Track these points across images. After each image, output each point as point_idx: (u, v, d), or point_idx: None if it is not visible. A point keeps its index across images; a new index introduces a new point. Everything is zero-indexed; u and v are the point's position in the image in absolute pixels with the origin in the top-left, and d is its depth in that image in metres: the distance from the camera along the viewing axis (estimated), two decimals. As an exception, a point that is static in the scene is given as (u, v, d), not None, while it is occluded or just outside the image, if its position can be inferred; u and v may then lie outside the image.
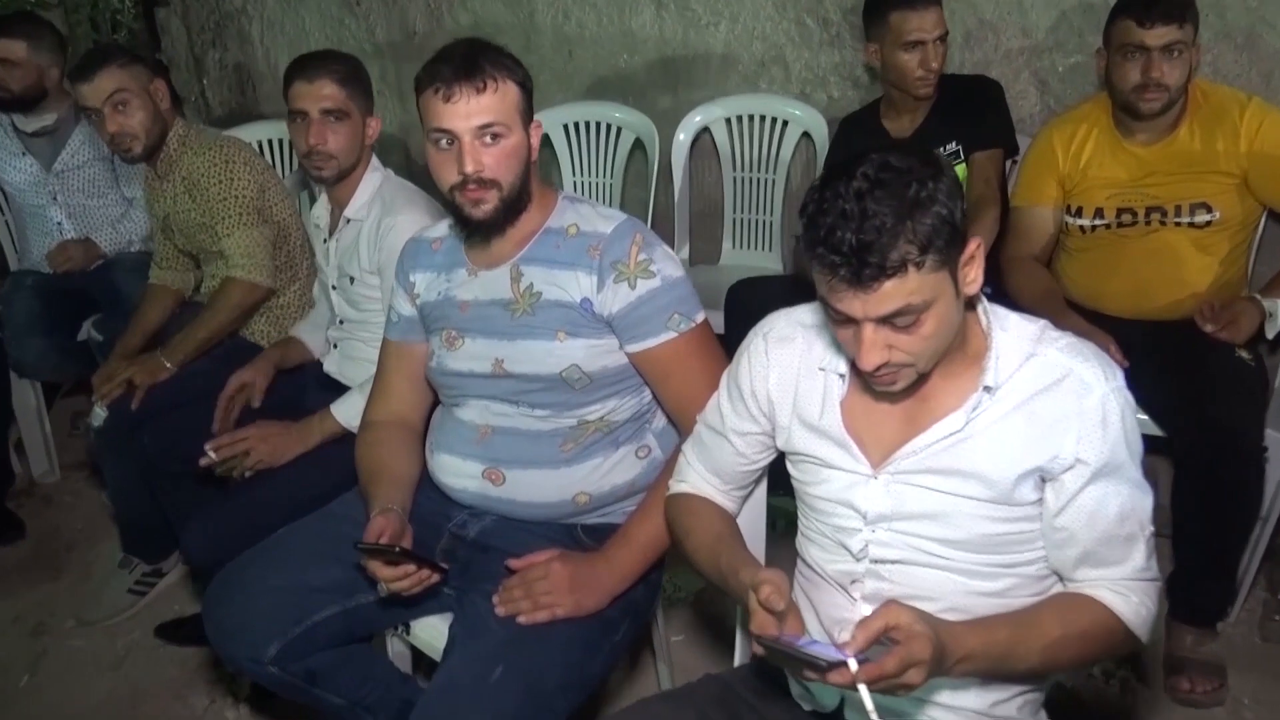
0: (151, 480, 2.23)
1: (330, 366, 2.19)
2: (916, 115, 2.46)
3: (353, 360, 2.14)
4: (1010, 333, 1.19)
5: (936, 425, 1.19)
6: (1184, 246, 2.15)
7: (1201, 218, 2.12)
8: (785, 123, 2.93)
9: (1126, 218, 2.18)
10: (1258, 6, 2.31)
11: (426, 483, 1.74)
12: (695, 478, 1.46)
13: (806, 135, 2.91)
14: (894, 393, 1.18)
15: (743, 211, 3.07)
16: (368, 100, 2.07)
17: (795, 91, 3.01)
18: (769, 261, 3.04)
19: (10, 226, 3.19)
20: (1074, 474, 1.14)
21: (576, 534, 1.63)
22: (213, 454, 1.97)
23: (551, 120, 3.19)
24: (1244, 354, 2.02)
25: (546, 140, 3.26)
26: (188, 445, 2.12)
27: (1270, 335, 2.05)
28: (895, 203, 1.04)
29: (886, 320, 1.08)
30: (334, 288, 2.13)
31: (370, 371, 2.02)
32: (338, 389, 2.15)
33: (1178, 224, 2.14)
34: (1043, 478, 1.16)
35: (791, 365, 1.31)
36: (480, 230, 1.57)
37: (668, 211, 3.19)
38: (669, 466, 1.56)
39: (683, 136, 3.03)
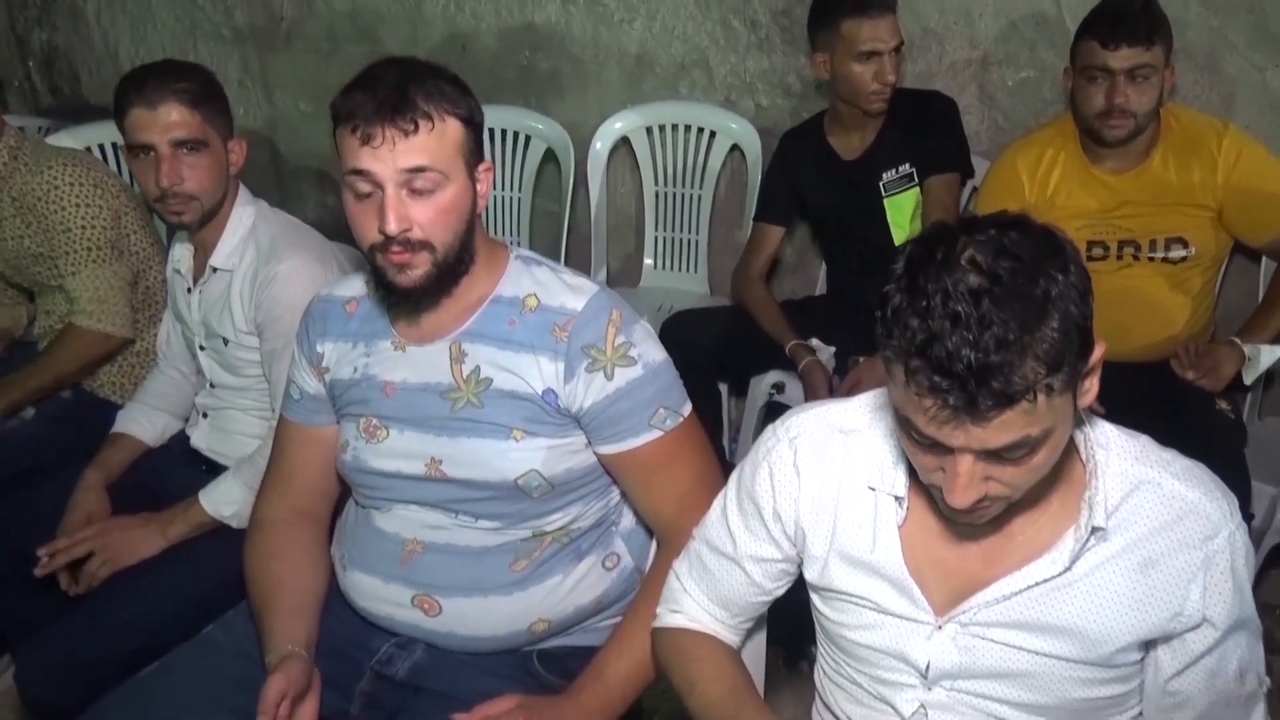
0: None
1: (198, 440, 1.80)
2: (866, 133, 2.25)
3: (227, 434, 1.77)
4: (1113, 451, 0.97)
5: (1027, 569, 0.96)
6: (1158, 283, 2.02)
7: (1177, 253, 1.98)
8: (713, 133, 2.68)
9: (1097, 251, 2.03)
10: (1219, 26, 2.18)
11: (338, 598, 1.41)
12: (694, 608, 1.19)
13: (736, 148, 2.66)
14: (975, 525, 0.95)
15: (665, 229, 2.80)
16: (226, 119, 1.69)
17: (719, 98, 2.76)
18: (694, 284, 2.79)
19: None
20: (1199, 634, 0.93)
21: (532, 666, 1.33)
22: (46, 559, 1.60)
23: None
24: (1223, 405, 1.90)
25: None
26: (19, 537, 1.73)
27: (1248, 381, 1.93)
28: (1020, 306, 0.79)
29: (993, 452, 0.84)
30: (202, 348, 1.75)
31: (249, 448, 1.68)
32: (208, 465, 1.78)
33: (1151, 259, 2.01)
34: (1158, 639, 0.95)
35: (829, 483, 1.05)
36: (408, 300, 1.25)
37: (582, 228, 2.90)
38: (650, 586, 1.28)
39: (600, 145, 2.74)
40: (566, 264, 2.81)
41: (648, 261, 2.85)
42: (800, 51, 2.62)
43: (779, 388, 2.32)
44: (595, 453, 1.29)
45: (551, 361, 1.24)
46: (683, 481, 1.28)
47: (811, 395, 2.14)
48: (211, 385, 1.76)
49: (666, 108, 2.72)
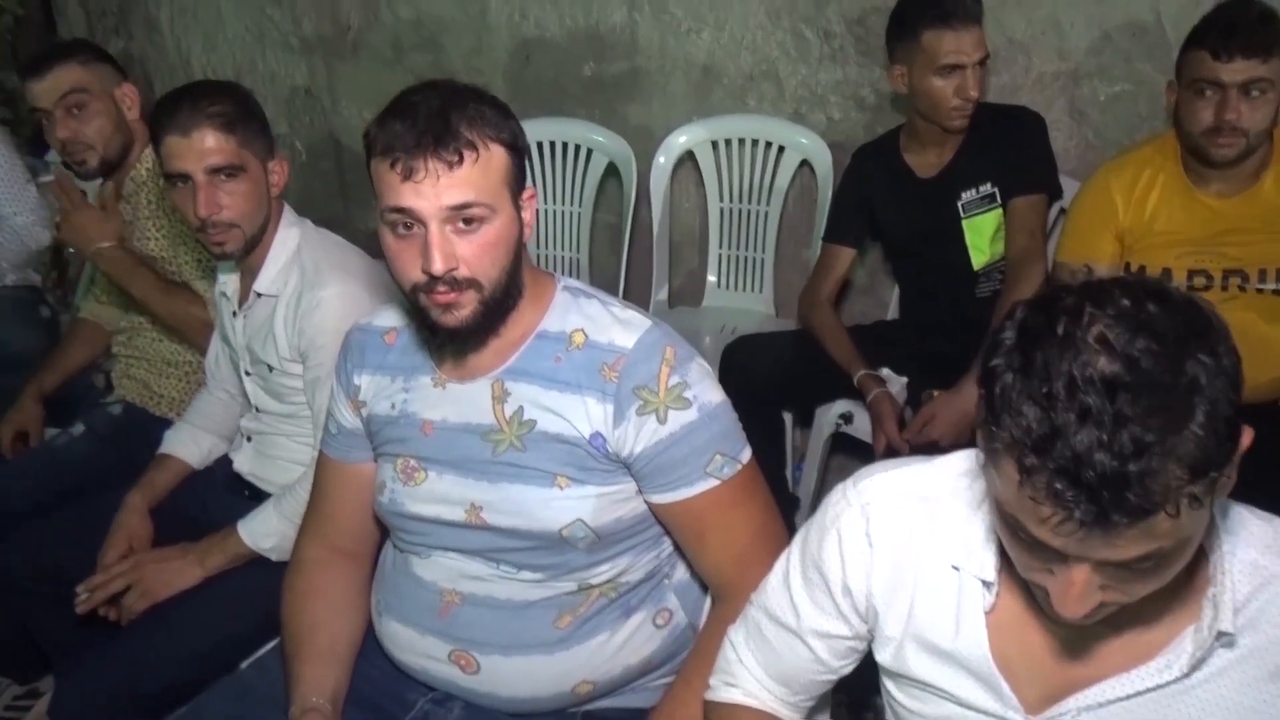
0: (16, 603, 1.78)
1: (241, 464, 1.74)
2: (945, 150, 2.11)
3: (270, 459, 1.71)
4: (1240, 537, 0.84)
5: (1138, 671, 0.83)
6: (1266, 317, 1.85)
7: (1289, 285, 1.82)
8: (781, 148, 2.56)
9: (1199, 281, 1.87)
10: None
11: (375, 644, 1.33)
12: (750, 682, 1.08)
13: (806, 163, 2.55)
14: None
15: (730, 247, 2.69)
16: (265, 140, 1.61)
17: (788, 111, 2.65)
18: (758, 304, 2.68)
19: None
20: None
21: (576, 728, 1.24)
22: (85, 595, 1.57)
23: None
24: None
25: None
26: (62, 560, 1.70)
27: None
28: (1162, 399, 0.67)
29: (1117, 563, 0.72)
30: (247, 373, 1.69)
31: (292, 474, 1.62)
32: (250, 491, 1.73)
33: (1260, 290, 1.84)
34: None
35: (906, 558, 0.94)
36: (454, 340, 1.17)
37: (643, 244, 2.81)
38: (704, 647, 1.18)
39: (664, 160, 2.65)
40: (627, 281, 2.78)
41: (711, 279, 2.74)
42: (876, 63, 2.49)
43: (847, 418, 2.20)
44: (646, 501, 1.20)
45: (600, 403, 1.15)
46: (741, 535, 1.18)
47: (879, 429, 2.01)
48: (256, 410, 1.70)
49: (734, 121, 2.61)
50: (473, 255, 1.11)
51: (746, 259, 2.68)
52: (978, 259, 2.13)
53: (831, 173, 2.46)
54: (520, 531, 1.18)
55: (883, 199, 2.20)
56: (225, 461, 1.80)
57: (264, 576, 1.57)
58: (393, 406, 1.27)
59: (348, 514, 1.36)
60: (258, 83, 3.81)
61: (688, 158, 2.71)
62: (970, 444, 1.91)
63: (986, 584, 0.89)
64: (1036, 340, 0.72)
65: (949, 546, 0.92)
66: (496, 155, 1.12)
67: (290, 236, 1.62)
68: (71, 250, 3.51)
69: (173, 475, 1.76)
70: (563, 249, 2.81)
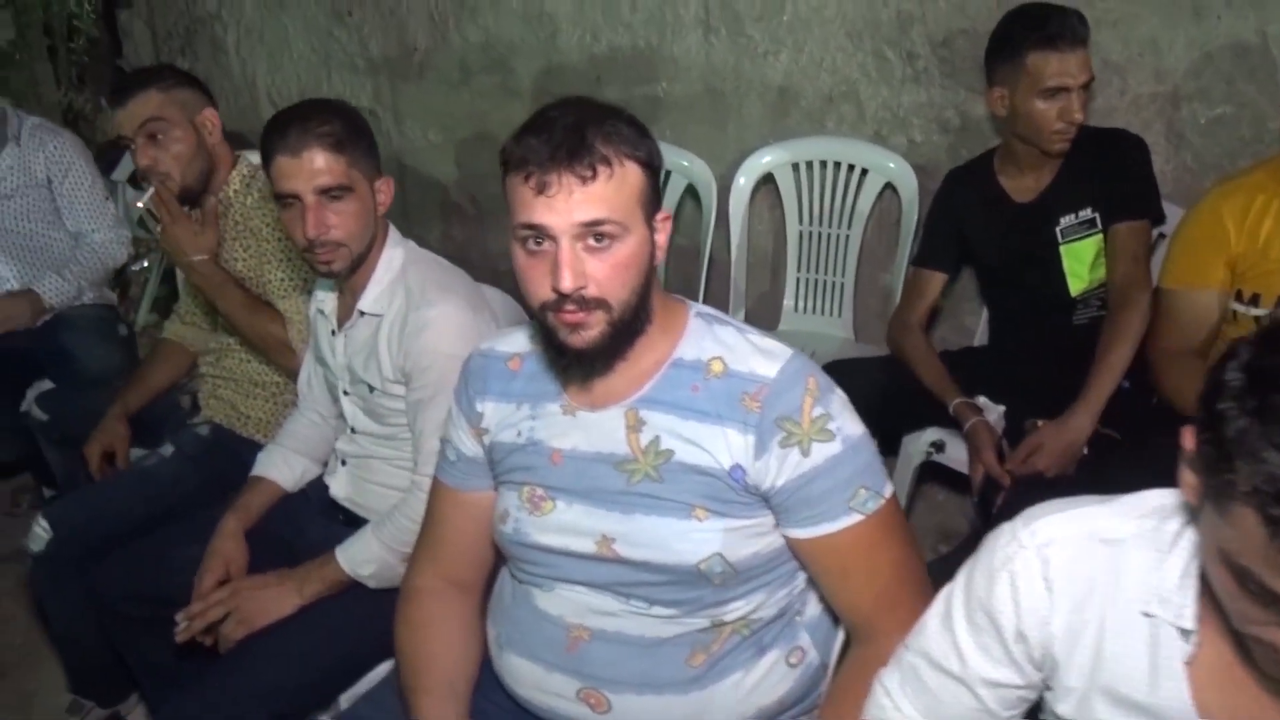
0: (109, 626, 1.76)
1: (337, 489, 1.72)
2: (1043, 174, 2.07)
3: (366, 484, 1.69)
4: None
5: None
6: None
7: None
8: (864, 171, 2.52)
9: (1315, 311, 1.80)
10: None
11: (490, 677, 1.30)
12: None
13: (889, 186, 2.51)
14: None
15: (809, 270, 2.65)
16: (373, 159, 1.60)
17: (868, 133, 2.61)
18: (837, 328, 2.64)
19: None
20: None
21: (708, 771, 1.19)
22: (184, 624, 1.55)
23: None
24: None
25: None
26: (156, 584, 1.69)
27: None
28: None
29: None
30: (345, 393, 1.67)
31: (389, 500, 1.60)
32: (345, 516, 1.71)
33: (1380, 320, 1.77)
34: None
35: (1089, 605, 0.89)
36: (581, 362, 1.14)
37: (718, 266, 2.77)
38: (845, 693, 1.14)
39: (744, 181, 2.62)
40: (705, 304, 2.74)
41: (787, 303, 2.70)
42: (961, 85, 2.46)
43: (938, 446, 2.14)
44: (784, 536, 1.16)
45: (741, 434, 1.12)
46: (884, 572, 1.14)
47: (977, 458, 1.96)
48: (353, 431, 1.68)
49: (817, 143, 2.57)
50: (603, 274, 1.09)
51: (825, 283, 2.64)
52: (1076, 285, 2.08)
53: (917, 196, 2.42)
54: (655, 565, 1.14)
55: (976, 223, 2.16)
56: (320, 485, 1.78)
57: (362, 604, 1.56)
58: (519, 434, 1.23)
59: (464, 543, 1.33)
60: (322, 103, 3.85)
61: (762, 180, 2.68)
62: (1083, 476, 1.87)
63: (1185, 632, 0.84)
64: (1271, 382, 0.67)
65: (1138, 592, 0.87)
66: (631, 173, 1.09)
67: (395, 256, 1.60)
68: (134, 269, 3.54)
69: (266, 498, 1.74)
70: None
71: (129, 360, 2.52)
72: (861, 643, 1.17)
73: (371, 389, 1.59)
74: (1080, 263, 2.06)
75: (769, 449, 1.11)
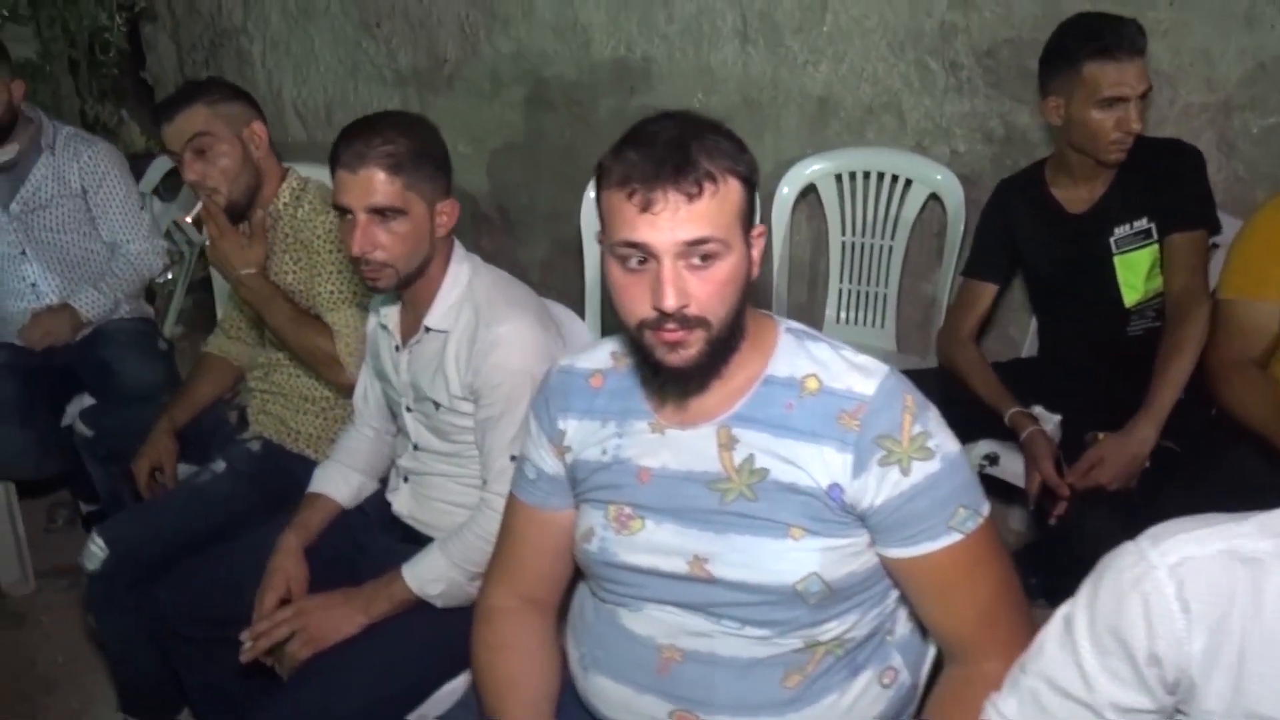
0: (166, 645, 1.75)
1: (400, 506, 1.70)
2: (1096, 184, 2.05)
3: (429, 500, 1.67)
4: None
5: None
6: None
7: None
8: (908, 181, 2.51)
9: (1379, 320, 1.79)
10: None
11: (571, 700, 1.28)
12: None
13: (934, 197, 2.49)
14: None
15: (850, 281, 2.64)
16: (437, 181, 1.56)
17: (910, 143, 2.60)
18: (880, 339, 2.62)
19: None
20: None
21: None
22: (249, 644, 1.54)
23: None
24: None
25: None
26: (214, 603, 1.67)
27: None
28: None
29: None
30: (408, 409, 1.66)
31: (452, 517, 1.58)
32: (405, 533, 1.69)
33: None
34: None
35: (1229, 626, 0.86)
36: (677, 380, 1.12)
37: (761, 279, 2.75)
38: (945, 711, 1.12)
39: (787, 191, 2.60)
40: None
41: (829, 314, 2.69)
42: (1006, 95, 2.45)
43: (992, 459, 2.12)
44: (880, 555, 1.14)
45: (838, 453, 1.10)
46: (983, 592, 1.12)
47: (1035, 469, 1.94)
48: (415, 448, 1.66)
49: (862, 153, 2.56)
50: (704, 293, 1.07)
51: (867, 293, 2.63)
52: (1130, 296, 2.06)
53: (963, 207, 2.40)
54: (750, 585, 1.12)
55: (1027, 234, 2.14)
56: (379, 501, 1.76)
57: (428, 622, 1.54)
58: (603, 452, 1.22)
59: (542, 562, 1.32)
60: (350, 114, 3.82)
61: (800, 191, 2.67)
62: (1143, 490, 1.85)
63: None
64: None
65: None
66: (733, 189, 1.08)
67: (461, 271, 1.59)
68: (158, 281, 3.52)
69: (324, 515, 1.73)
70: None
71: (169, 375, 2.50)
72: (959, 663, 1.15)
73: (437, 406, 1.57)
74: (1135, 274, 2.05)
75: (868, 468, 1.09)
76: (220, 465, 1.93)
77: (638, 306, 1.09)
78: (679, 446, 1.17)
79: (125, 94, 4.50)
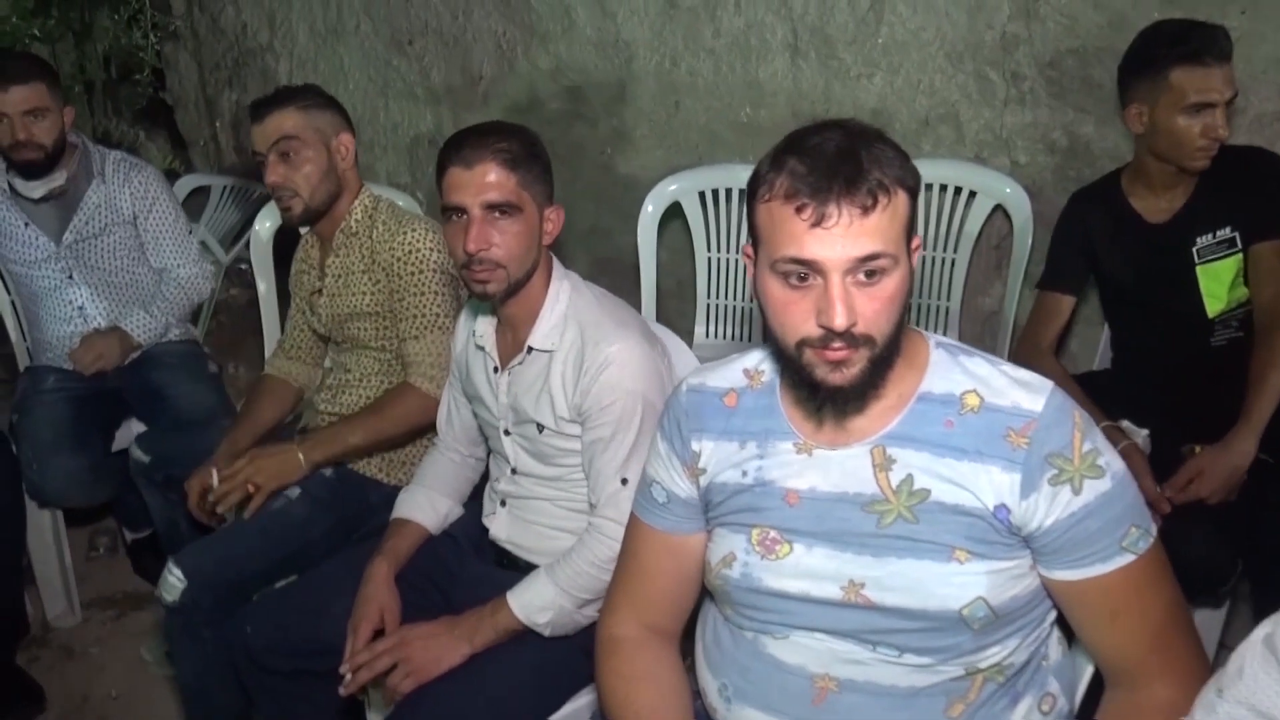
0: (248, 679, 1.69)
1: (498, 531, 1.66)
2: (1176, 194, 2.02)
3: (531, 526, 1.62)
4: None
5: None
6: None
7: None
8: (972, 194, 2.48)
9: None
10: None
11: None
12: None
13: (998, 209, 2.46)
14: None
15: (914, 295, 2.59)
16: (546, 186, 1.55)
17: (968, 155, 2.57)
18: (941, 353, 2.57)
19: (20, 314, 2.60)
20: None
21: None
22: (349, 677, 1.48)
23: (687, 186, 2.72)
24: None
25: (677, 211, 2.77)
26: (300, 634, 1.62)
27: None
28: None
29: None
30: (507, 433, 1.61)
31: (553, 542, 1.53)
32: (500, 556, 1.64)
33: None
34: None
35: None
36: (836, 400, 1.08)
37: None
38: None
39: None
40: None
41: (889, 329, 2.64)
42: (1069, 106, 2.42)
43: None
44: (1045, 578, 1.10)
45: (1005, 472, 1.06)
46: (1155, 615, 1.08)
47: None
48: (514, 472, 1.61)
49: (926, 165, 2.50)
50: (871, 310, 1.04)
51: (930, 307, 2.59)
52: (1213, 306, 2.03)
53: (1030, 219, 2.37)
54: (912, 611, 1.08)
55: (1106, 244, 2.11)
56: (468, 526, 1.71)
57: (532, 650, 1.49)
58: (744, 474, 1.17)
59: (672, 589, 1.27)
60: (379, 132, 3.80)
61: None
62: (1241, 502, 1.81)
63: None
64: None
65: None
66: (901, 201, 1.04)
67: (563, 289, 1.55)
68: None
69: (413, 541, 1.68)
70: (729, 298, 2.73)
71: (220, 398, 2.45)
72: (1127, 688, 1.11)
73: (541, 429, 1.53)
74: (1219, 283, 2.02)
75: (1037, 487, 1.05)
76: (294, 491, 1.87)
77: (800, 324, 1.04)
78: (829, 467, 1.13)
79: (142, 114, 4.46)
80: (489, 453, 1.75)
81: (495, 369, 1.60)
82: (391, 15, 3.66)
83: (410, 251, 1.84)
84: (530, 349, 1.53)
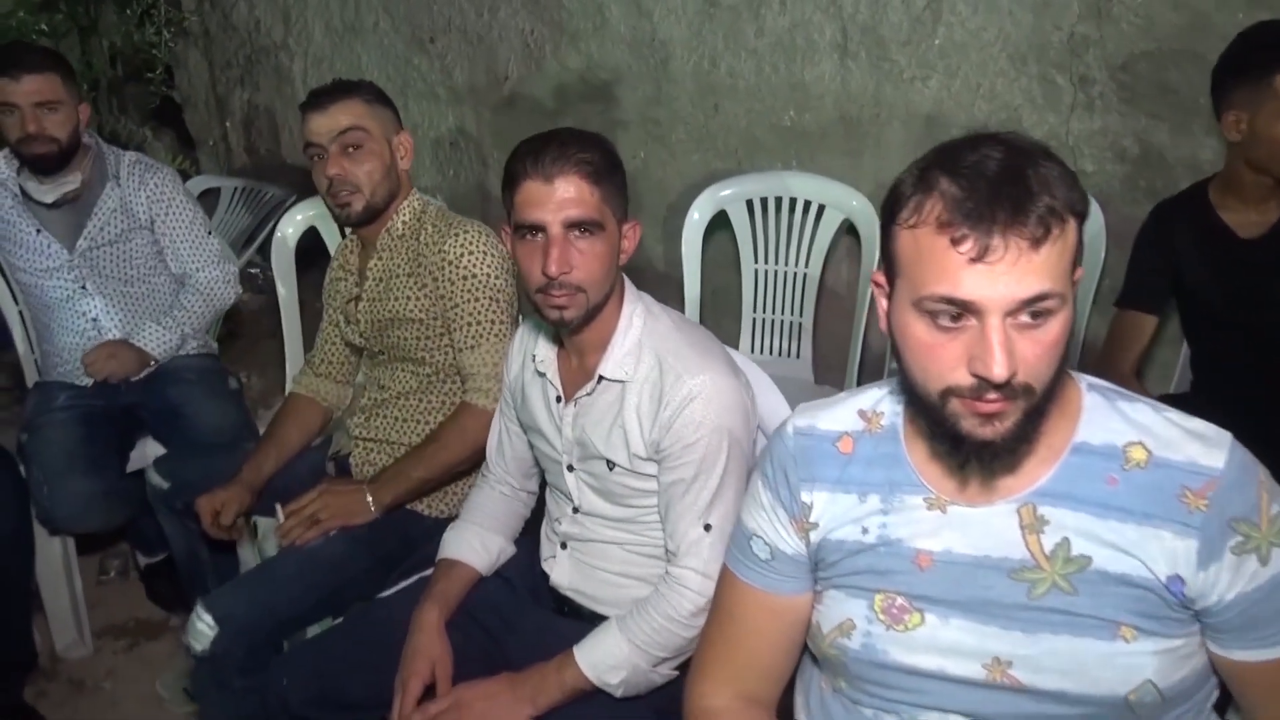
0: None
1: (559, 576, 1.51)
2: (1271, 207, 1.89)
3: (596, 572, 1.48)
4: None
5: None
6: None
7: None
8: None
9: None
10: None
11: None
12: None
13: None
14: None
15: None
16: (624, 199, 1.41)
17: (1029, 163, 2.43)
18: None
19: (28, 327, 2.46)
20: None
21: None
22: None
23: (735, 194, 2.58)
24: None
25: (724, 220, 2.63)
26: (342, 687, 1.48)
27: None
28: None
29: None
30: (570, 468, 1.47)
31: (620, 591, 1.40)
32: (559, 603, 1.50)
33: None
34: None
35: None
36: (984, 456, 0.94)
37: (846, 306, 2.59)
38: None
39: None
40: (862, 356, 2.54)
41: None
42: (1142, 112, 2.29)
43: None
44: (1219, 656, 0.96)
45: (1179, 537, 0.92)
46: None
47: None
48: (576, 510, 1.47)
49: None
50: (1033, 355, 0.90)
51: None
52: (1308, 327, 1.90)
53: (1104, 231, 2.24)
54: (1071, 696, 0.94)
55: (1192, 261, 1.98)
56: (524, 568, 1.57)
57: (603, 713, 1.35)
58: (864, 531, 1.04)
59: (771, 656, 1.13)
60: (398, 135, 3.67)
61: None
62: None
63: None
64: None
65: None
66: (1071, 230, 0.90)
67: (637, 313, 1.41)
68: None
69: (463, 585, 1.53)
70: (775, 312, 2.59)
71: (242, 417, 2.31)
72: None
73: (612, 466, 1.39)
74: (1315, 303, 1.89)
75: (1219, 556, 0.92)
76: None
77: (948, 372, 0.91)
78: (968, 527, 0.99)
79: (150, 112, 4.31)
80: (543, 485, 1.61)
81: (558, 399, 1.46)
82: (412, 12, 3.53)
83: (463, 254, 1.71)
84: (601, 378, 1.39)
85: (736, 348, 2.64)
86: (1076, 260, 0.94)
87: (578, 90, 3.19)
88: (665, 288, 2.79)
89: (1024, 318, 0.89)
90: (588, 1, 3.04)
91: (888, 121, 2.62)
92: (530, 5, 3.18)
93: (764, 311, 2.59)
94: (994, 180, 0.87)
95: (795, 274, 2.54)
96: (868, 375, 2.55)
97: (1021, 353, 0.89)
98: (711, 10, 2.81)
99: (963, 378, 0.90)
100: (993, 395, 0.89)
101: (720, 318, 2.83)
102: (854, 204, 2.45)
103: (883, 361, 2.55)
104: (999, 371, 0.87)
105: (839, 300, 2.72)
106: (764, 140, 2.84)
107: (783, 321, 2.58)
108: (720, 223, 2.64)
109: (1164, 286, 2.03)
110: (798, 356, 2.58)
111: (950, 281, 0.88)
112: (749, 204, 2.58)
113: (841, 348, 2.56)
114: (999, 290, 0.87)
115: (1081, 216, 0.92)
